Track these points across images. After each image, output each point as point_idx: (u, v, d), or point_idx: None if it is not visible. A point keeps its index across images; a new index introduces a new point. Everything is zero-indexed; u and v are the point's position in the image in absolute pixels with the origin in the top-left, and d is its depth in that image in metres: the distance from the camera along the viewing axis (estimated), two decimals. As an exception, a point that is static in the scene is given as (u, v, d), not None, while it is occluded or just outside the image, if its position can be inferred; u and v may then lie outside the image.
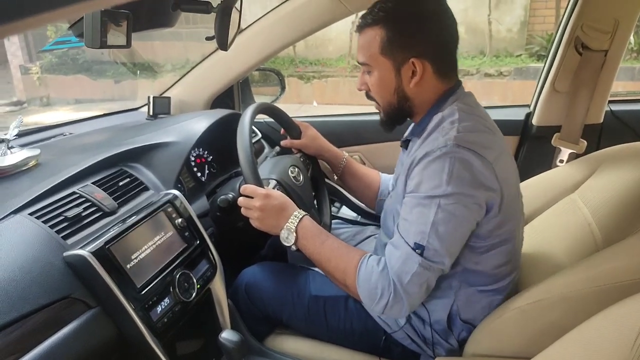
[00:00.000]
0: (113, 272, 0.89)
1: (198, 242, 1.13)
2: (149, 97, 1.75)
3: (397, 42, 1.00)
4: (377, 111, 1.16)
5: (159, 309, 0.96)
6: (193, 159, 1.40)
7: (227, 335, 0.98)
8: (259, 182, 1.12)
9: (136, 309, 0.91)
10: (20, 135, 1.25)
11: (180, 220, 1.10)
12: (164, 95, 1.81)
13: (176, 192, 1.15)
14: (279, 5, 1.67)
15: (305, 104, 6.46)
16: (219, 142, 1.46)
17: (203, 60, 1.80)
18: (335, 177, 1.49)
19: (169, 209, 1.10)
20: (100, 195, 1.04)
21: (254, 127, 1.72)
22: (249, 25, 1.72)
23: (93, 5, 0.32)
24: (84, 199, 1.01)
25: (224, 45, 1.20)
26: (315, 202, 1.44)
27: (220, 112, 1.54)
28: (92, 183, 1.06)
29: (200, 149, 1.44)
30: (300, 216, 1.09)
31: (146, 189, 1.17)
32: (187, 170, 1.34)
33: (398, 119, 1.12)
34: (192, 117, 1.50)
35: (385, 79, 1.05)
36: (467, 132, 0.96)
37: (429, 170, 0.94)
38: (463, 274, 1.04)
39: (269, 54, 1.73)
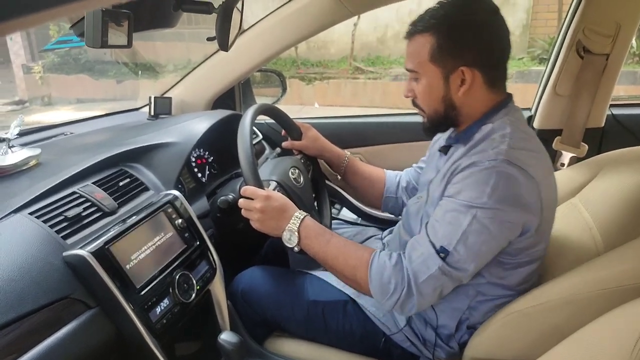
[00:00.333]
0: (112, 272, 0.89)
1: (198, 243, 1.13)
2: (150, 98, 1.75)
3: (448, 50, 0.98)
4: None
5: (158, 309, 0.96)
6: (194, 159, 1.40)
7: (226, 337, 0.97)
8: (259, 184, 1.12)
9: (135, 310, 0.91)
10: (21, 134, 1.25)
11: (180, 221, 1.10)
12: (165, 95, 1.81)
13: (176, 192, 1.15)
14: (280, 7, 1.67)
15: (306, 106, 6.46)
16: (219, 142, 1.46)
17: (204, 60, 1.80)
18: (339, 177, 1.49)
19: (169, 210, 1.10)
20: (100, 195, 1.04)
21: (254, 128, 1.72)
22: (251, 26, 1.72)
23: (94, 3, 0.32)
24: (84, 198, 1.01)
25: (225, 46, 1.20)
26: (315, 203, 1.43)
27: (221, 113, 1.54)
28: (93, 183, 1.06)
29: (201, 150, 1.44)
30: (302, 217, 1.09)
31: (146, 189, 1.16)
32: (187, 170, 1.34)
33: (442, 126, 1.10)
34: (193, 117, 1.50)
35: (433, 86, 1.03)
36: (517, 148, 0.95)
37: (473, 180, 0.93)
38: (484, 286, 1.04)
39: (270, 55, 1.73)
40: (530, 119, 1.84)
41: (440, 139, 1.22)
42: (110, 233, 0.94)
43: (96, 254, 0.88)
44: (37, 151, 1.16)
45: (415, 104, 1.10)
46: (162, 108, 1.75)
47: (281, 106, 1.47)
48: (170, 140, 1.31)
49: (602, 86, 1.65)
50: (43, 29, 6.66)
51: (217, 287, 1.16)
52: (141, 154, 1.24)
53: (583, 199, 1.18)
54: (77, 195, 1.01)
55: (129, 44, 1.02)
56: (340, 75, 7.00)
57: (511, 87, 1.08)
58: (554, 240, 1.18)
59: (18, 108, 6.50)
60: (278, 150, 1.53)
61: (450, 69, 1.00)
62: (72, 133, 1.52)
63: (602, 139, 1.75)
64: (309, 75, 7.06)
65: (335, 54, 7.30)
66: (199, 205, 1.29)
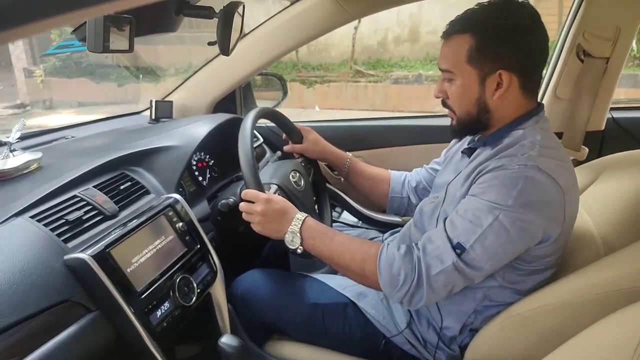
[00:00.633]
0: (113, 276, 0.89)
1: (198, 246, 1.13)
2: (151, 101, 1.76)
3: (487, 52, 0.97)
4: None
5: (158, 313, 0.96)
6: (194, 163, 1.40)
7: (227, 340, 0.97)
8: (260, 187, 1.12)
9: (136, 313, 0.91)
10: (22, 138, 1.25)
11: (181, 224, 1.10)
12: (166, 99, 1.81)
13: (177, 196, 1.15)
14: (281, 11, 1.67)
15: (307, 109, 6.47)
16: (220, 146, 1.47)
17: (205, 64, 1.80)
18: (342, 179, 1.49)
19: (170, 213, 1.10)
20: (101, 199, 1.04)
21: (255, 132, 1.72)
22: (252, 30, 1.72)
23: (97, 11, 0.32)
24: (85, 202, 1.01)
25: (225, 50, 1.20)
26: (316, 206, 1.44)
27: (222, 117, 1.54)
28: (94, 186, 1.07)
29: (202, 153, 1.44)
30: (303, 218, 1.08)
31: (147, 192, 1.17)
32: (188, 174, 1.34)
33: (472, 129, 1.08)
34: (194, 121, 1.50)
35: (467, 88, 1.01)
36: (547, 157, 0.94)
37: (500, 182, 0.92)
38: (494, 290, 1.03)
39: (271, 59, 1.74)
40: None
41: (460, 142, 1.22)
42: (111, 237, 0.94)
43: (97, 257, 0.88)
44: (39, 155, 1.17)
45: (445, 105, 1.09)
46: (163, 112, 1.75)
47: (282, 109, 1.47)
48: (171, 144, 1.32)
49: (602, 89, 1.66)
50: (44, 33, 6.68)
51: (218, 290, 1.16)
52: (142, 158, 1.24)
53: (584, 202, 1.18)
54: (78, 198, 1.01)
55: (131, 49, 1.03)
56: (341, 79, 7.01)
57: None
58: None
59: (19, 112, 6.51)
60: (279, 153, 1.53)
61: (488, 72, 0.99)
62: (73, 137, 1.52)
63: (603, 142, 1.75)
64: (309, 78, 7.07)
65: (336, 57, 7.31)
66: (200, 208, 1.29)
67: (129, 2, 0.34)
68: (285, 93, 2.03)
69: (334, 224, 1.55)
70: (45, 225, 0.91)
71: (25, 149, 1.21)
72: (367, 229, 1.64)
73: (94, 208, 1.02)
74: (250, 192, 1.11)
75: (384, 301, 1.18)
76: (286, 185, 1.24)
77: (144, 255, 0.99)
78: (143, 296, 0.94)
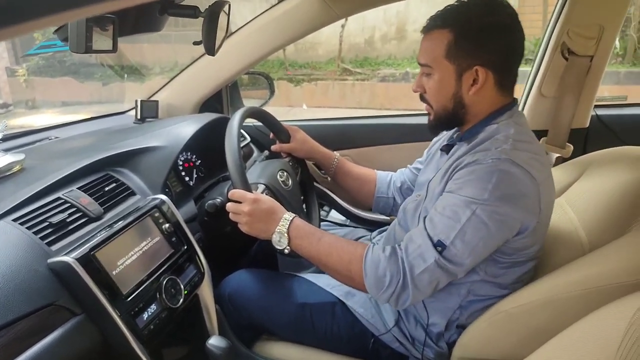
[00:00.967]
0: (98, 279, 0.88)
1: (185, 247, 1.12)
2: (136, 101, 1.74)
3: (465, 48, 0.99)
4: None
5: (145, 315, 0.95)
6: (181, 163, 1.39)
7: (215, 342, 0.97)
8: (247, 187, 1.12)
9: (122, 316, 0.90)
10: (4, 139, 1.23)
11: (167, 225, 1.09)
12: (152, 98, 1.79)
13: (163, 197, 1.14)
14: (268, 9, 1.66)
15: (295, 107, 6.46)
16: (207, 146, 1.46)
17: (191, 63, 1.79)
18: (329, 179, 1.48)
19: (156, 214, 1.09)
20: (85, 201, 1.03)
21: (242, 131, 1.71)
22: (239, 29, 1.71)
23: (85, 12, 0.32)
24: (69, 204, 1.00)
25: (211, 50, 1.19)
26: (304, 206, 1.43)
27: (209, 116, 1.53)
28: (78, 188, 1.05)
29: (188, 153, 1.43)
30: (291, 218, 1.08)
31: (133, 194, 1.15)
32: (174, 174, 1.33)
33: (448, 124, 1.10)
34: (180, 121, 1.49)
35: (445, 83, 1.03)
36: (521, 150, 0.96)
37: (475, 177, 0.94)
38: (477, 284, 1.04)
39: (258, 58, 1.73)
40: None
41: (440, 140, 1.22)
42: (96, 239, 0.93)
43: (81, 260, 0.87)
44: (21, 156, 1.15)
45: (423, 99, 1.10)
46: (148, 111, 1.74)
47: (269, 108, 1.47)
48: (157, 144, 1.30)
49: (586, 87, 1.68)
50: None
51: (205, 292, 1.15)
52: (127, 158, 1.23)
53: (568, 199, 1.20)
54: (62, 200, 1.00)
55: (114, 49, 1.01)
56: (328, 77, 7.01)
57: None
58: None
59: (2, 112, 6.39)
60: (266, 153, 1.53)
61: (465, 68, 1.00)
62: (57, 137, 1.50)
63: (587, 139, 1.77)
64: (297, 76, 7.06)
65: (323, 56, 7.31)
66: (187, 209, 1.28)
67: (117, 4, 0.34)
68: (272, 92, 2.01)
69: (322, 223, 1.55)
70: (29, 228, 0.90)
71: (7, 150, 1.19)
72: (355, 227, 1.64)
73: (78, 210, 1.00)
74: (237, 192, 1.10)
75: (372, 300, 1.18)
76: (274, 184, 1.24)
77: (130, 258, 0.98)
78: (129, 299, 0.93)
